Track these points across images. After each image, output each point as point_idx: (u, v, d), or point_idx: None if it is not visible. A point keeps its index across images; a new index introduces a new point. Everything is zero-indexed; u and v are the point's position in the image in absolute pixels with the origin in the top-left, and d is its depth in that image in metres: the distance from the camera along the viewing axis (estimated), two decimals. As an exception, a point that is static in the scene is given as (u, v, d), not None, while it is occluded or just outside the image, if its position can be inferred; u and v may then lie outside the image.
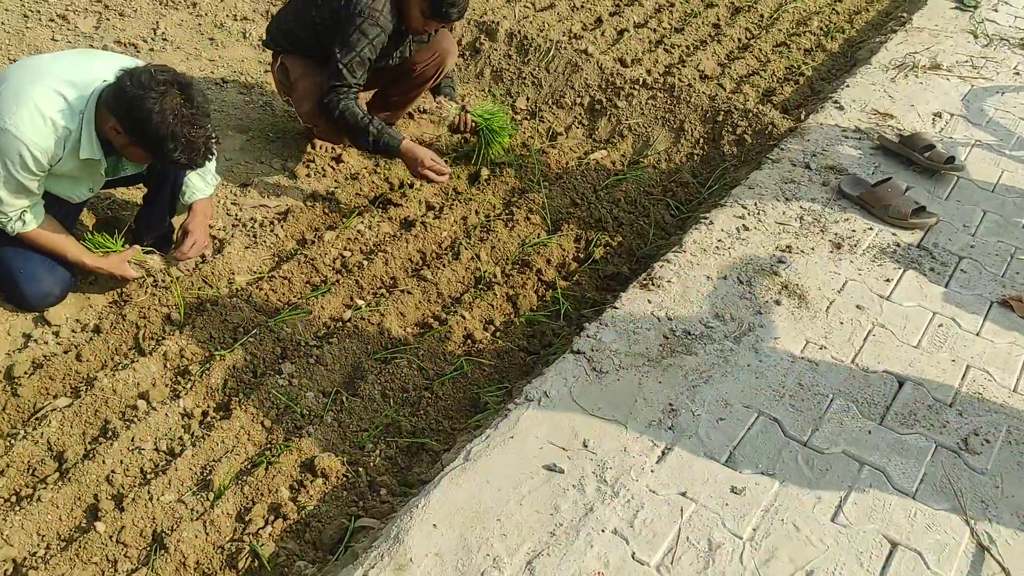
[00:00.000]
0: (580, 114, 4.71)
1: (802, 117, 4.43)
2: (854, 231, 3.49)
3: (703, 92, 4.59)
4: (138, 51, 4.91)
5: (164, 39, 5.09)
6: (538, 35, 4.98)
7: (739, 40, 5.87)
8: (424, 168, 3.73)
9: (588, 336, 2.87)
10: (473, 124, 4.06)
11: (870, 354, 2.89)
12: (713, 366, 2.78)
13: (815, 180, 3.80)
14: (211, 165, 3.15)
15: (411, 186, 4.10)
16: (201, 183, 3.15)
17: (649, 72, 5.26)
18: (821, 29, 6.07)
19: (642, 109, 4.62)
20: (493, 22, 5.08)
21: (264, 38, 4.02)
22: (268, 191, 3.92)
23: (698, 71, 5.37)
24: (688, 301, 3.05)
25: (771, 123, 4.38)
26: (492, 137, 4.08)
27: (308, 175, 4.07)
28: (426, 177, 3.75)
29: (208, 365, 2.99)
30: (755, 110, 4.46)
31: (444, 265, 3.56)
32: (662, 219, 4.03)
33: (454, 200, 4.02)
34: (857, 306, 3.09)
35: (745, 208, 3.57)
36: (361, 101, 3.81)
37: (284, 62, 3.93)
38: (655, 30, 5.83)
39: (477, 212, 4.00)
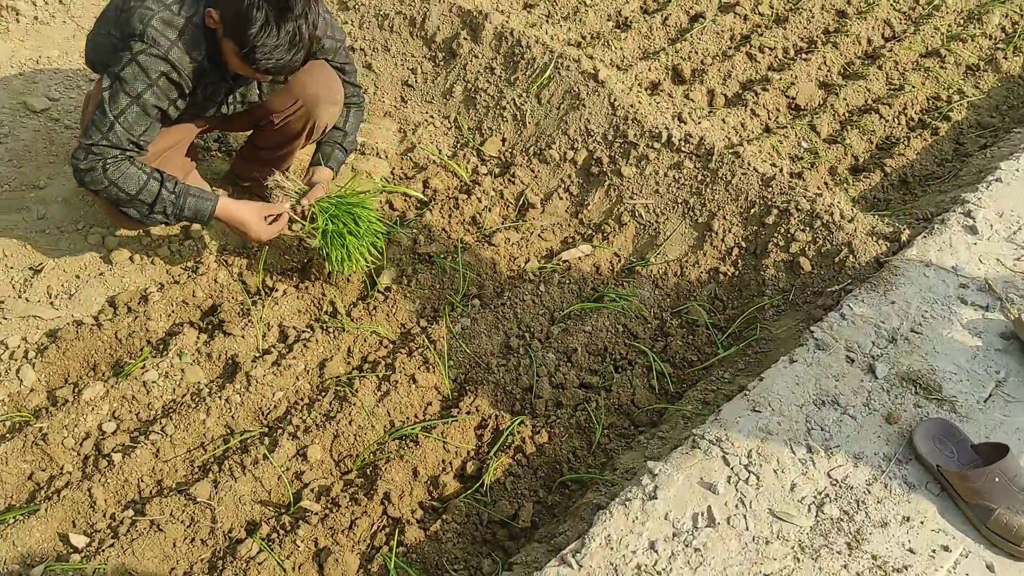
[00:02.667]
0: (569, 176, 3.18)
1: (902, 237, 2.74)
2: (911, 552, 1.92)
3: (754, 170, 2.95)
4: (19, 16, 3.71)
5: (61, 1, 3.86)
6: (536, 43, 3.40)
7: (868, 41, 4.04)
8: (258, 230, 2.54)
9: None
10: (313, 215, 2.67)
11: None
12: None
13: (875, 407, 2.20)
14: None
15: (271, 291, 2.78)
16: None
17: (711, 96, 3.60)
18: (1004, 31, 4.11)
19: (658, 182, 3.04)
20: (480, 13, 3.53)
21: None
22: (62, 286, 2.71)
23: (787, 97, 3.65)
24: None
25: (847, 244, 2.73)
26: (339, 243, 2.67)
27: (131, 259, 2.81)
28: (269, 236, 2.59)
29: None
30: (827, 214, 2.80)
31: (243, 469, 2.28)
32: (632, 398, 2.55)
33: (323, 327, 2.68)
34: None
35: (728, 463, 2.06)
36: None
37: (91, 91, 2.65)
38: (745, 17, 4.08)
39: (349, 353, 2.65)
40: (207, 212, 2.44)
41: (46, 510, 2.16)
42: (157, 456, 2.31)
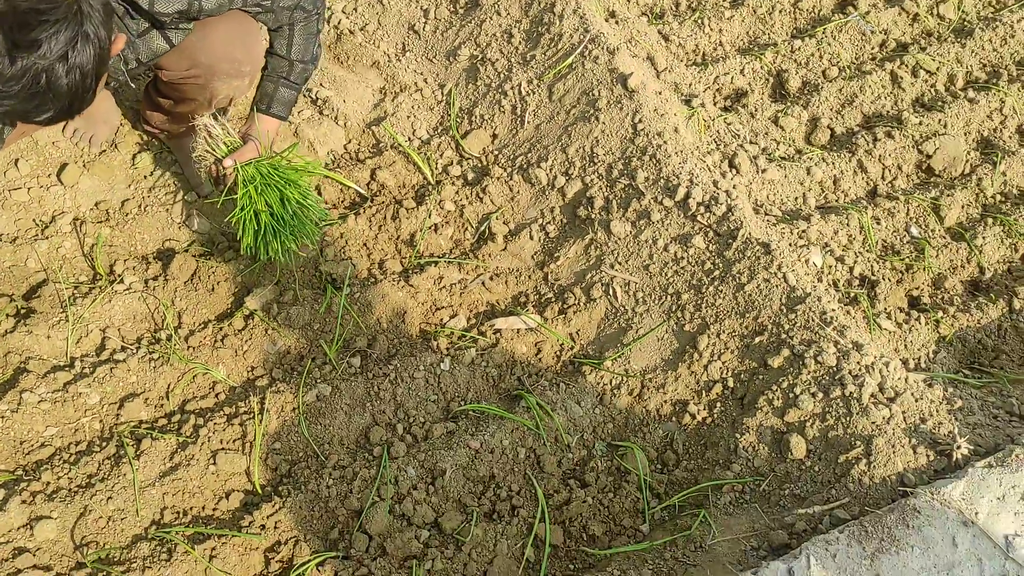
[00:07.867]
0: (552, 211, 2.35)
1: (955, 455, 1.78)
2: None
3: (782, 278, 2.03)
4: None
5: None
6: (574, 12, 2.50)
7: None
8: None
9: None
10: (232, 178, 2.04)
11: None
12: None
13: None
14: None
15: (117, 280, 2.20)
16: None
17: (812, 126, 2.64)
18: None
19: (652, 256, 2.17)
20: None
21: None
22: None
23: (920, 153, 2.65)
24: None
25: (867, 440, 1.80)
26: (254, 226, 2.04)
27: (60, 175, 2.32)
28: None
29: None
30: (856, 383, 1.86)
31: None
32: (485, 570, 1.83)
33: (149, 350, 2.09)
34: None
35: None
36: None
37: None
38: (915, 18, 2.97)
39: (167, 394, 2.06)
40: None
41: None
42: None
